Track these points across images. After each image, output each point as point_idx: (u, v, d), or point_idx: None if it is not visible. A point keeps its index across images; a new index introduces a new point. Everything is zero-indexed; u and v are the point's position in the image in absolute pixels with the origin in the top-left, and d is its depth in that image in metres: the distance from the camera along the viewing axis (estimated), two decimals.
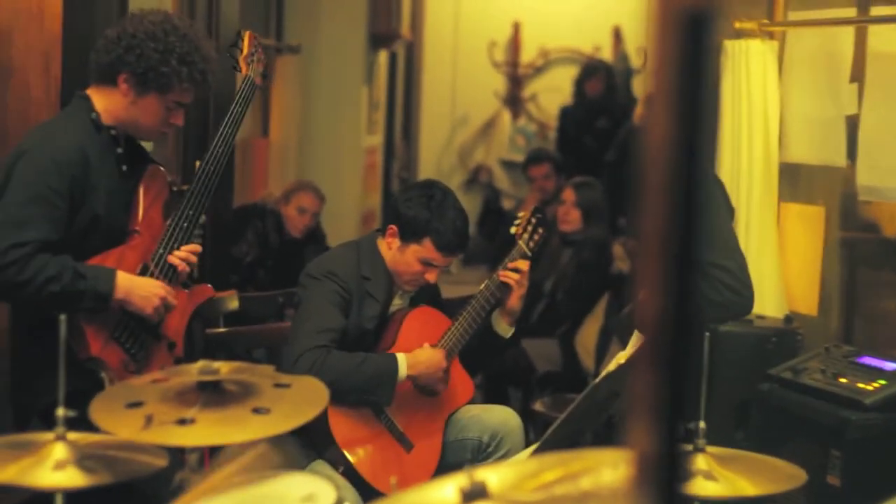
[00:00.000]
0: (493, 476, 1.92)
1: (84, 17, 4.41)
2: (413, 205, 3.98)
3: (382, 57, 9.95)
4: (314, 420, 3.78)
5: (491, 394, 6.42)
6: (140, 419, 2.59)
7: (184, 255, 3.76)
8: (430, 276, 4.00)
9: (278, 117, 8.79)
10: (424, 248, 3.95)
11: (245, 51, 4.13)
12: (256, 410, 2.66)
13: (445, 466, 4.00)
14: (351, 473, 3.84)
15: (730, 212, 3.89)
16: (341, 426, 3.86)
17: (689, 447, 2.89)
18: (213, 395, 2.71)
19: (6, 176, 3.52)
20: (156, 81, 3.62)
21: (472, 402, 4.24)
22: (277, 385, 2.79)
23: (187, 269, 3.78)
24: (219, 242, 6.63)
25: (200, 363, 2.77)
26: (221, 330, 4.50)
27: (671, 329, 0.86)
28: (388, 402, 3.90)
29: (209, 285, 4.03)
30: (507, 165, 11.48)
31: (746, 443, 4.13)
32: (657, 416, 0.88)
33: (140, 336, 3.66)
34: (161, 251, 3.71)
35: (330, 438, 3.84)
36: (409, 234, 3.97)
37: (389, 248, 4.02)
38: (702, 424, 2.89)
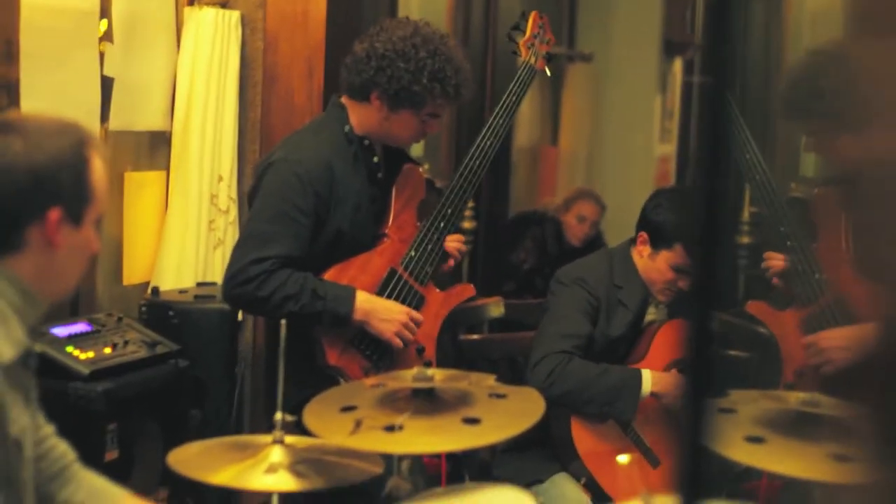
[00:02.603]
0: (669, 502, 1.79)
1: (348, 25, 4.46)
2: (662, 210, 3.83)
3: (677, 65, 9.73)
4: (558, 431, 3.73)
5: None
6: (350, 424, 2.57)
7: (456, 244, 3.70)
8: (684, 284, 3.84)
9: (568, 125, 8.74)
10: (676, 255, 3.79)
11: (528, 33, 3.96)
12: (467, 420, 2.59)
13: None
14: (593, 487, 3.72)
15: None
16: (585, 439, 3.75)
17: None
18: (425, 402, 2.67)
19: (257, 183, 3.57)
20: (409, 100, 3.55)
21: None
22: (493, 395, 2.71)
23: (458, 256, 3.73)
24: (494, 249, 6.63)
25: (416, 369, 2.73)
26: (475, 337, 4.45)
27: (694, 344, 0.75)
28: (628, 417, 3.75)
29: (471, 285, 3.89)
30: None
31: None
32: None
33: (382, 342, 3.59)
34: (412, 254, 3.64)
35: (573, 451, 3.73)
36: (660, 241, 3.83)
37: (641, 255, 3.89)
38: None
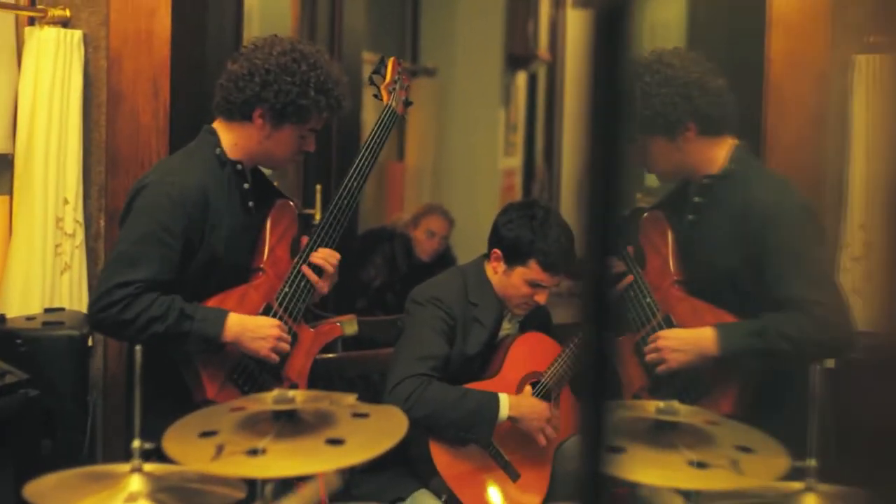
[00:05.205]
0: None
1: (193, 43, 4.41)
2: (515, 226, 3.85)
3: (521, 78, 9.86)
4: (417, 449, 3.73)
5: None
6: (211, 449, 2.53)
7: (324, 255, 3.66)
8: (540, 298, 3.87)
9: (414, 140, 8.78)
10: (531, 270, 3.82)
11: (388, 78, 3.99)
12: (330, 441, 2.57)
13: (554, 498, 3.86)
14: None
15: (820, 237, 3.63)
16: (444, 456, 3.76)
17: (801, 486, 2.70)
18: (287, 424, 2.64)
19: (127, 208, 3.51)
20: (295, 114, 3.54)
21: None
22: (356, 415, 2.70)
23: (331, 269, 3.68)
24: (345, 266, 6.61)
25: (276, 391, 2.70)
26: (331, 355, 4.43)
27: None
28: (485, 442, 3.78)
29: (338, 324, 3.87)
30: None
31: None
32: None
33: (259, 378, 3.57)
34: (287, 290, 3.61)
35: (433, 468, 3.74)
36: (514, 257, 3.85)
37: (495, 272, 3.91)
38: (812, 462, 2.70)
